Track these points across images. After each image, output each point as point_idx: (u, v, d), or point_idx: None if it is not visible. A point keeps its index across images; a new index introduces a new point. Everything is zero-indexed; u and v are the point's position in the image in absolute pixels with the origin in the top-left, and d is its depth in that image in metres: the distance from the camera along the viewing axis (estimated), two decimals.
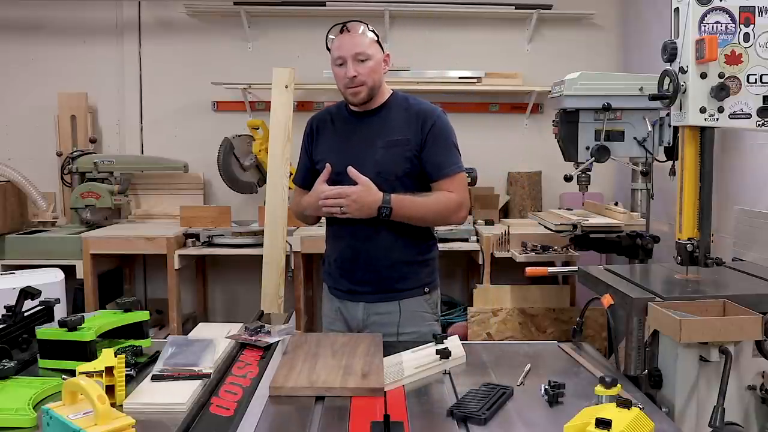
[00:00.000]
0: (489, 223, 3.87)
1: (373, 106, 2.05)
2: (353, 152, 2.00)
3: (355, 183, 1.90)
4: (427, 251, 2.10)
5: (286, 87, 3.42)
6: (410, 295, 2.05)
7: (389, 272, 2.03)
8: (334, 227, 2.09)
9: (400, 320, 2.02)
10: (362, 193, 1.89)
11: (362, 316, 2.05)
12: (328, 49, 2.05)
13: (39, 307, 1.76)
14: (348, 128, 2.07)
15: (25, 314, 1.72)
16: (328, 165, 1.96)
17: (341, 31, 2.00)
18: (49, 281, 2.21)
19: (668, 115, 2.42)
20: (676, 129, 2.42)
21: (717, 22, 1.55)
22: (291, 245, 3.48)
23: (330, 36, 2.04)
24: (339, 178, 1.96)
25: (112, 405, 1.20)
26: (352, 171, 1.90)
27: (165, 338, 1.68)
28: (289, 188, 3.48)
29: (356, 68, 1.96)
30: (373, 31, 2.03)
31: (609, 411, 1.14)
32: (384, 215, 1.91)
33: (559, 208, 3.63)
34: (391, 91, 2.10)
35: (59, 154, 4.05)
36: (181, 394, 1.36)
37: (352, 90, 1.98)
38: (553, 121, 2.82)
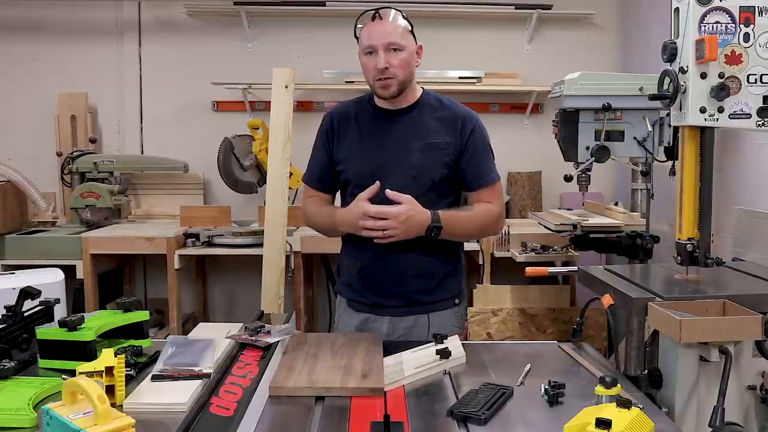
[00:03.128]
0: None
1: (404, 104, 1.90)
2: (384, 153, 1.85)
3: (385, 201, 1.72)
4: (457, 260, 1.98)
5: (286, 87, 3.41)
6: (440, 308, 1.94)
7: (419, 284, 1.89)
8: (355, 235, 1.89)
9: (429, 335, 1.88)
10: (410, 213, 1.72)
11: (387, 330, 1.92)
12: (356, 38, 1.88)
13: (39, 307, 1.75)
14: (376, 127, 1.90)
15: (25, 314, 1.71)
16: (377, 183, 1.76)
17: (372, 18, 1.83)
18: (49, 281, 2.19)
19: (668, 115, 2.39)
20: (676, 129, 2.40)
21: (717, 22, 1.54)
22: (291, 245, 3.47)
23: (359, 24, 1.87)
24: (369, 181, 1.80)
25: (112, 405, 1.19)
26: (390, 193, 1.73)
27: (165, 338, 1.67)
28: (289, 188, 3.50)
29: (388, 59, 1.79)
30: (406, 19, 1.85)
31: (609, 411, 1.13)
32: (433, 236, 1.78)
33: (559, 208, 3.62)
34: (422, 89, 1.95)
35: (59, 154, 4.03)
36: (181, 394, 1.36)
37: (382, 83, 1.81)
38: (553, 121, 2.80)
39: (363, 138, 1.90)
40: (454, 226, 1.82)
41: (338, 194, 2.04)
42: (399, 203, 1.75)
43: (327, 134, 1.96)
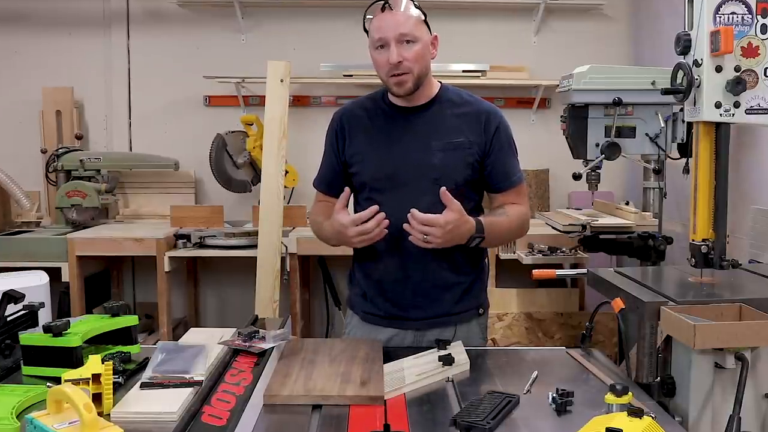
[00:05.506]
0: None
1: (422, 100, 1.81)
2: (402, 154, 1.77)
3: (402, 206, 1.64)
4: (482, 266, 1.91)
5: (282, 81, 3.39)
6: (466, 319, 1.86)
7: (444, 293, 1.82)
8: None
9: None
10: (458, 223, 1.64)
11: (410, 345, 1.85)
12: (366, 31, 1.78)
13: (22, 312, 1.71)
14: (392, 126, 1.81)
15: (8, 319, 1.67)
16: (347, 189, 1.72)
17: (382, 9, 1.72)
18: (33, 284, 2.16)
19: (682, 110, 2.38)
20: (689, 125, 2.39)
21: (733, 13, 1.50)
22: (286, 246, 3.42)
23: (368, 16, 1.77)
24: (386, 184, 1.76)
25: (99, 414, 1.18)
26: (445, 193, 1.63)
27: (155, 344, 1.67)
28: (285, 187, 3.46)
29: (401, 52, 1.69)
30: (419, 8, 1.76)
31: (620, 420, 1.11)
32: (475, 245, 1.71)
33: (568, 208, 3.58)
34: (440, 83, 1.87)
35: (44, 151, 3.97)
36: (171, 403, 1.33)
37: (397, 79, 1.72)
38: (561, 116, 2.76)
39: (377, 138, 1.82)
40: (494, 233, 1.77)
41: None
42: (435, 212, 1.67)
43: (336, 135, 1.88)
